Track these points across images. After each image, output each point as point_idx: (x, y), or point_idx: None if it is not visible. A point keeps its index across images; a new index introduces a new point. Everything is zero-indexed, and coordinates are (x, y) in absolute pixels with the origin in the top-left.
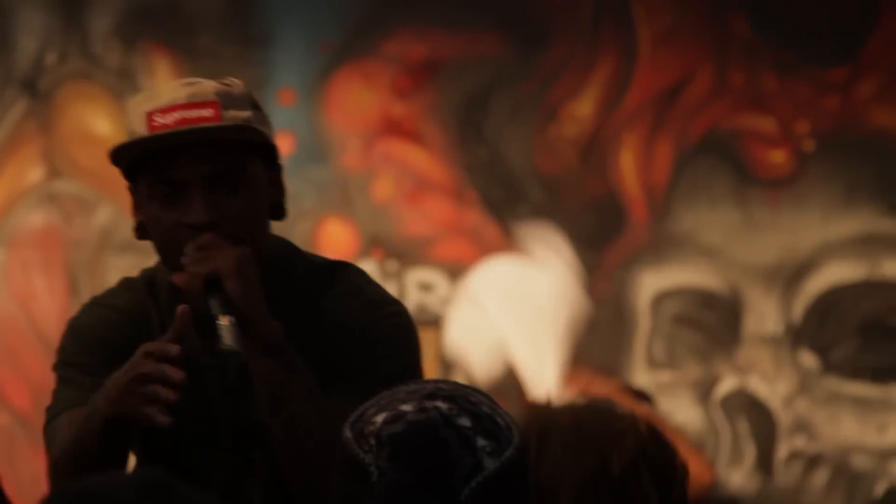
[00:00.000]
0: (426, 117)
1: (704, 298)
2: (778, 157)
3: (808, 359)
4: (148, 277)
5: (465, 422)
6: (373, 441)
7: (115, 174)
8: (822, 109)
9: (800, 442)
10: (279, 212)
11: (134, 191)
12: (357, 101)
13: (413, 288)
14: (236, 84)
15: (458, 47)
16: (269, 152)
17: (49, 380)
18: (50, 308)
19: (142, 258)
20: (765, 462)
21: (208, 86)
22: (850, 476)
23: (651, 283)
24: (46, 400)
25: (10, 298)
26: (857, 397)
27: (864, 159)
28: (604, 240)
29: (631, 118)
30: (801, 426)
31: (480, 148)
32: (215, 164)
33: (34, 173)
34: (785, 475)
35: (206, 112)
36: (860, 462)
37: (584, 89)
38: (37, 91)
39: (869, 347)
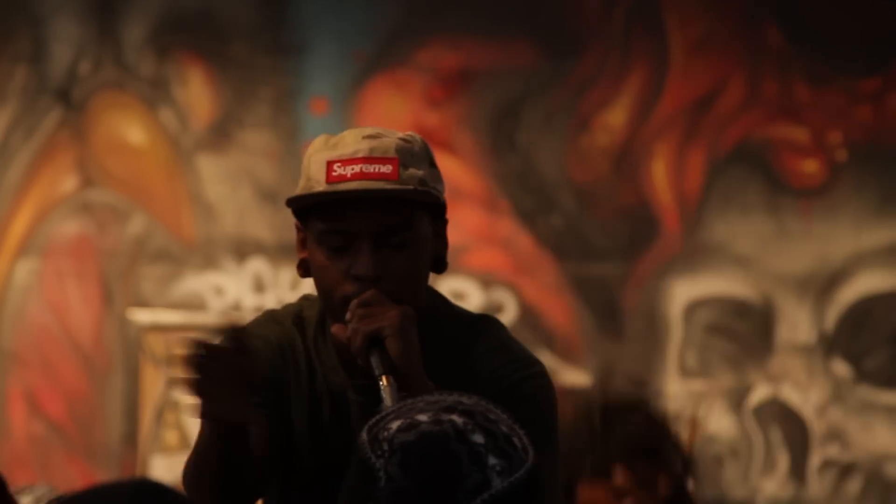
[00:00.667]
0: (459, 126)
1: (737, 307)
2: (810, 166)
3: (841, 368)
4: (295, 312)
5: (478, 438)
6: (385, 447)
7: (148, 184)
8: (854, 119)
9: (833, 450)
10: (441, 265)
11: (302, 230)
12: (389, 110)
13: (446, 296)
14: (416, 140)
15: (491, 57)
16: (438, 208)
17: (83, 387)
18: (84, 317)
19: (175, 266)
20: (798, 470)
21: (389, 141)
22: (883, 484)
23: (683, 292)
24: (80, 408)
25: (44, 307)
26: (890, 406)
27: None
28: (636, 249)
29: (663, 127)
30: (835, 435)
31: (513, 157)
32: (387, 220)
33: (68, 183)
34: (818, 484)
35: (386, 168)
36: (894, 470)
37: (616, 99)
38: (71, 101)
39: None
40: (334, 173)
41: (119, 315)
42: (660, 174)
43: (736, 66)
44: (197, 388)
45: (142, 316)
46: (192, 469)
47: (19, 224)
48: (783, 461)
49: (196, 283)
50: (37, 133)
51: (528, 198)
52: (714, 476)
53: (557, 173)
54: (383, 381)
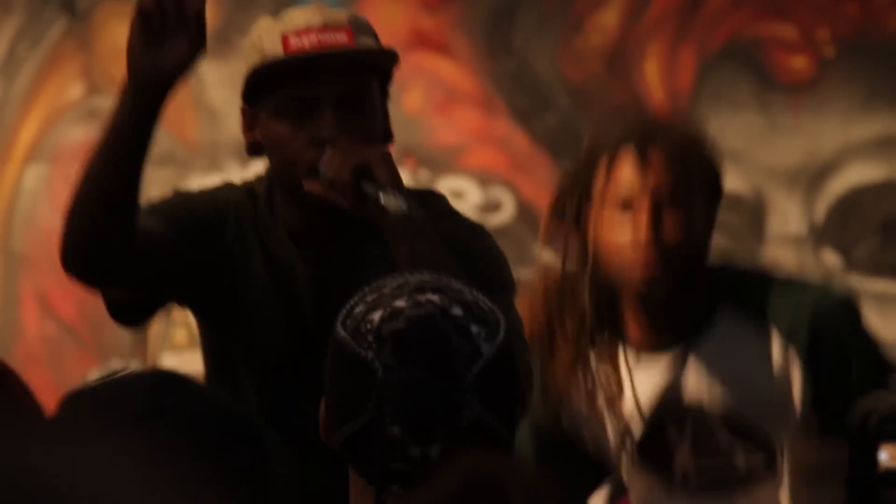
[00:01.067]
0: (454, 30)
1: (728, 200)
2: (799, 62)
3: (831, 257)
4: (248, 185)
5: (457, 311)
6: (371, 339)
7: None
8: (841, 16)
9: None
10: (389, 135)
11: (250, 111)
12: (387, 15)
13: (445, 195)
14: (362, 17)
15: None
16: (384, 80)
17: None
18: None
19: (180, 170)
20: None
21: (340, 13)
22: None
23: None
24: (91, 309)
25: (53, 211)
26: (878, 293)
27: (883, 64)
28: None
29: (654, 27)
30: None
31: (508, 59)
32: (347, 83)
33: (74, 90)
34: None
35: (341, 37)
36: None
37: (608, 0)
38: (75, 11)
39: (890, 246)
40: (291, 44)
41: None
42: (652, 73)
43: None
44: (141, 23)
45: None
46: (82, 183)
47: (27, 131)
48: None
49: (201, 185)
50: (43, 43)
51: (523, 98)
52: None
53: (552, 74)
54: (384, 196)
